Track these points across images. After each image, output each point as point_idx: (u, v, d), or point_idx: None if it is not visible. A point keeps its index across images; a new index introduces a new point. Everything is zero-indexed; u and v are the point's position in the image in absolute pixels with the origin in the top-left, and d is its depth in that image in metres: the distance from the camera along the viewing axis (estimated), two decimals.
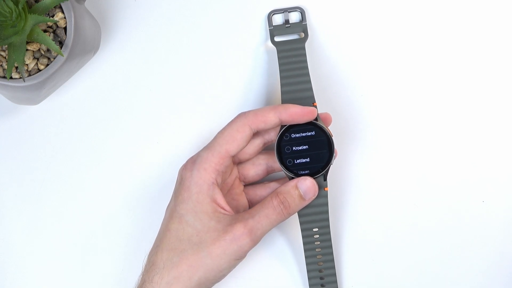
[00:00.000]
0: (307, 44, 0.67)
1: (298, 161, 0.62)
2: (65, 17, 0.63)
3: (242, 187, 0.66)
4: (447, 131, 0.70)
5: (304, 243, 0.65)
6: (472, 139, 0.70)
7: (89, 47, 0.66)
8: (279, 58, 0.65)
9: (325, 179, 0.63)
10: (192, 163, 0.62)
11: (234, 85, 0.70)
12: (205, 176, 0.60)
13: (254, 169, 0.65)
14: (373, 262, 0.69)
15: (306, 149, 0.62)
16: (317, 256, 0.65)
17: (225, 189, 0.64)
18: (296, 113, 0.61)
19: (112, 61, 0.71)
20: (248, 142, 0.62)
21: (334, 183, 0.68)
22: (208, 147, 0.62)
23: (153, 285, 0.60)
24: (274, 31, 0.66)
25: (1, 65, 0.63)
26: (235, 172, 0.65)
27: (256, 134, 0.63)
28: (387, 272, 0.69)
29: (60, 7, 0.63)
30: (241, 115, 0.62)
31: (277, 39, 0.66)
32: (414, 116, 0.70)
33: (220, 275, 0.61)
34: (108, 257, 0.69)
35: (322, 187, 0.63)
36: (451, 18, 0.71)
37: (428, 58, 0.70)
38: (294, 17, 0.67)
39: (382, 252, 0.69)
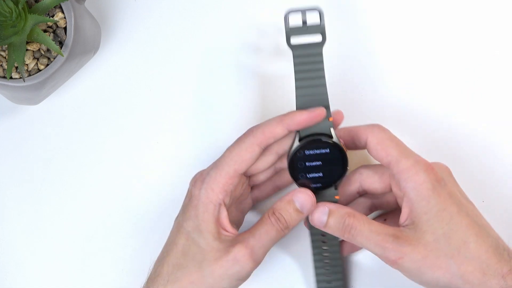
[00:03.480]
0: None
1: (310, 175, 0.61)
2: (65, 17, 0.63)
3: (249, 189, 0.66)
4: (446, 131, 0.70)
5: (313, 249, 0.65)
6: (472, 139, 0.70)
7: (89, 47, 0.66)
8: (295, 63, 0.61)
9: (336, 188, 0.61)
10: (201, 181, 0.61)
11: (234, 85, 0.70)
12: (212, 196, 0.60)
13: (263, 175, 0.65)
14: (373, 262, 0.69)
15: (319, 165, 0.60)
16: (325, 261, 0.65)
17: (236, 197, 0.64)
18: (304, 120, 0.60)
19: (112, 61, 0.71)
20: (258, 158, 0.61)
21: None
22: (217, 166, 0.61)
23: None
24: (290, 33, 0.61)
25: (1, 65, 0.63)
26: (245, 181, 0.64)
27: (267, 149, 0.62)
28: (387, 272, 0.69)
29: (60, 7, 0.63)
30: (249, 134, 0.60)
31: (293, 41, 0.61)
32: (414, 116, 0.70)
33: None
34: (108, 257, 0.69)
35: (333, 195, 0.61)
36: (457, 20, 0.71)
37: (435, 61, 0.71)
38: (312, 18, 0.62)
39: None
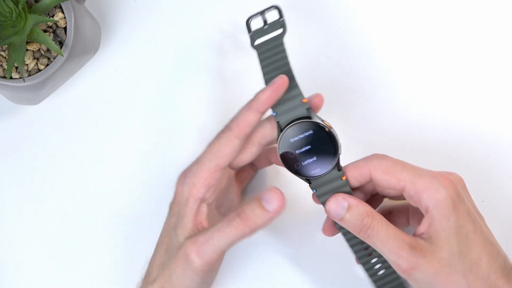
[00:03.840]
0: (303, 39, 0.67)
1: (305, 162, 0.60)
2: (65, 17, 0.63)
3: (237, 182, 0.66)
4: (446, 130, 0.70)
5: (363, 265, 0.62)
6: (472, 138, 0.70)
7: (89, 47, 0.66)
8: (259, 61, 0.61)
9: (339, 169, 0.59)
10: (183, 177, 0.61)
11: (234, 84, 0.70)
12: (194, 191, 0.60)
13: (245, 155, 0.63)
14: None
15: (309, 149, 0.60)
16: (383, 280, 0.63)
17: (222, 189, 0.63)
18: (269, 96, 0.59)
19: (112, 61, 0.71)
20: (240, 149, 0.60)
21: None
22: (198, 161, 0.61)
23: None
24: (254, 36, 0.61)
25: (1, 65, 0.63)
26: (233, 173, 0.64)
27: (249, 140, 0.62)
28: None
29: (60, 7, 0.63)
30: (225, 128, 0.60)
31: (257, 42, 0.61)
32: (413, 115, 0.70)
33: None
34: (108, 258, 0.69)
35: (339, 177, 0.59)
36: (449, 18, 0.71)
37: (434, 60, 0.71)
38: (272, 16, 0.61)
39: None
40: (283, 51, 0.61)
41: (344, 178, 0.60)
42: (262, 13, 0.61)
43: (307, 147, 0.60)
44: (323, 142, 0.59)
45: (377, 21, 0.71)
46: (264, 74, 0.61)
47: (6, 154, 0.71)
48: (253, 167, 0.68)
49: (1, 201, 0.70)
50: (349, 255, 0.69)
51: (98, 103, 0.71)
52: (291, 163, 0.60)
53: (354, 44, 0.71)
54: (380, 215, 0.58)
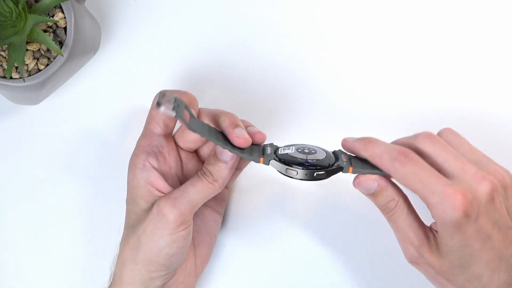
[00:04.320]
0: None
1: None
2: (65, 17, 0.63)
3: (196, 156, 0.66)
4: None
5: None
6: (471, 139, 0.70)
7: (89, 47, 0.66)
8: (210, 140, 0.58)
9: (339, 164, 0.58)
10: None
11: (234, 84, 0.70)
12: (136, 160, 0.61)
13: (206, 147, 0.64)
14: (373, 262, 0.69)
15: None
16: None
17: (190, 176, 0.63)
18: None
19: (112, 61, 0.71)
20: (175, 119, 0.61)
21: (333, 182, 0.68)
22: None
23: (112, 274, 0.62)
24: (178, 114, 0.55)
25: (1, 65, 0.63)
26: (194, 157, 0.64)
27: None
28: (387, 272, 0.69)
29: (60, 7, 0.63)
30: (156, 94, 0.59)
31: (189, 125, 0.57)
32: (413, 115, 0.70)
33: (163, 254, 0.59)
34: (108, 258, 0.69)
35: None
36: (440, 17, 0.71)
37: (434, 58, 0.71)
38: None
39: (382, 252, 0.69)
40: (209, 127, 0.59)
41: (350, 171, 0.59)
42: (159, 103, 0.55)
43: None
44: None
45: (376, 20, 0.71)
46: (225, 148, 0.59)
47: (6, 154, 0.71)
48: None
49: (1, 201, 0.70)
50: (349, 255, 0.69)
51: (98, 103, 0.71)
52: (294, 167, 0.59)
53: (355, 43, 0.71)
54: (406, 200, 0.59)
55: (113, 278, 0.62)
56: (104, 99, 0.71)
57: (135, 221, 0.61)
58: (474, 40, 0.71)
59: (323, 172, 0.58)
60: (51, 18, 0.63)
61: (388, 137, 0.70)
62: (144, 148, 0.61)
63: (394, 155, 0.56)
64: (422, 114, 0.70)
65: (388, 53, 0.71)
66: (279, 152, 0.60)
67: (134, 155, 0.62)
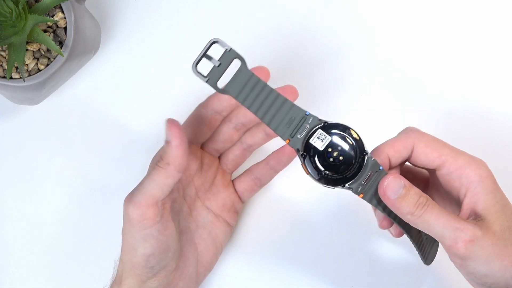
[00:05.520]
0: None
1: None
2: (65, 17, 0.63)
3: (229, 179, 0.65)
4: (446, 130, 0.70)
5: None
6: (471, 139, 0.70)
7: (89, 47, 0.66)
8: (241, 103, 0.55)
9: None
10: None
11: None
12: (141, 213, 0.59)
13: (231, 152, 0.64)
14: (373, 262, 0.69)
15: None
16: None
17: (207, 185, 0.63)
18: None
19: (112, 61, 0.71)
20: (193, 125, 0.60)
21: None
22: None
23: (114, 274, 0.62)
24: (211, 80, 0.54)
25: (1, 65, 0.63)
26: (214, 163, 0.64)
27: (226, 120, 0.62)
28: (387, 272, 0.69)
29: (60, 7, 0.63)
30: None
31: (221, 85, 0.55)
32: (414, 112, 0.70)
33: (140, 255, 0.58)
34: (108, 258, 0.69)
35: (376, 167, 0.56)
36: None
37: (435, 56, 0.71)
38: (216, 51, 0.55)
39: (381, 252, 0.69)
40: (258, 80, 0.54)
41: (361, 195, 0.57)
42: (205, 54, 0.54)
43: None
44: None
45: (378, 18, 0.71)
46: (256, 113, 0.55)
47: (6, 154, 0.71)
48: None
49: (1, 201, 0.70)
50: (349, 255, 0.69)
51: (98, 103, 0.71)
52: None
53: (355, 43, 0.71)
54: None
55: (115, 277, 0.62)
56: (104, 99, 0.71)
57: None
58: (478, 40, 0.71)
59: (331, 187, 0.56)
60: (51, 18, 0.63)
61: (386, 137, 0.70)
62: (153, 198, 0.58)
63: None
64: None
65: (389, 50, 0.71)
66: (311, 140, 0.54)
67: (154, 168, 0.58)
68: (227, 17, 0.71)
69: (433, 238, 0.58)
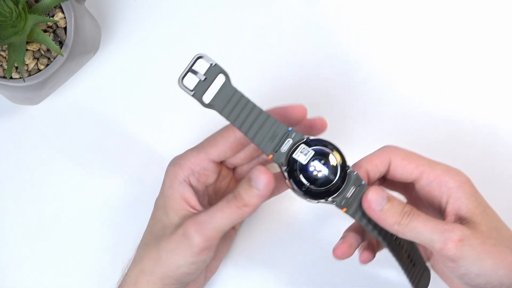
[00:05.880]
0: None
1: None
2: (65, 17, 0.63)
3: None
4: (446, 130, 0.70)
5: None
6: (471, 139, 0.70)
7: (89, 47, 0.66)
8: (225, 117, 0.55)
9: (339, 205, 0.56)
10: (173, 159, 0.61)
11: (234, 83, 0.70)
12: (178, 172, 0.60)
13: (247, 165, 0.64)
14: (373, 263, 0.69)
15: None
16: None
17: (219, 192, 0.64)
18: (284, 111, 0.58)
19: (112, 61, 0.71)
20: (235, 149, 0.60)
21: None
22: (193, 147, 0.61)
23: (126, 277, 0.61)
24: (197, 94, 0.55)
25: (1, 65, 0.63)
26: (229, 175, 0.64)
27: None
28: (387, 272, 0.69)
29: (60, 7, 0.63)
30: (228, 125, 0.60)
31: (206, 99, 0.55)
32: (414, 114, 0.70)
33: (180, 272, 0.58)
34: (108, 257, 0.69)
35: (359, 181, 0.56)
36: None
37: (434, 60, 0.71)
38: (201, 66, 0.56)
39: (382, 252, 0.69)
40: (241, 96, 0.55)
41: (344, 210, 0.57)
42: (189, 70, 0.55)
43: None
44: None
45: (376, 19, 0.71)
46: (240, 128, 0.55)
47: (6, 154, 0.71)
48: None
49: (1, 201, 0.70)
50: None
51: (98, 103, 0.71)
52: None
53: (353, 43, 0.71)
54: None
55: (125, 280, 0.61)
56: (104, 99, 0.71)
57: (160, 231, 0.60)
58: (477, 40, 0.71)
59: (314, 201, 0.56)
60: (51, 18, 0.63)
61: (389, 135, 0.70)
62: (192, 165, 0.60)
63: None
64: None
65: (388, 51, 0.71)
66: (294, 154, 0.55)
67: (178, 166, 0.60)
68: (227, 17, 0.71)
69: (423, 264, 0.59)
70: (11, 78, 0.63)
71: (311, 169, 0.55)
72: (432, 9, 0.71)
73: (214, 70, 0.55)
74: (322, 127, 0.60)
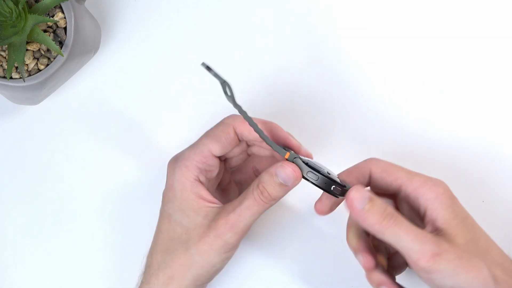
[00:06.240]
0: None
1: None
2: (65, 17, 0.63)
3: (229, 175, 0.66)
4: (446, 130, 0.70)
5: None
6: (471, 139, 0.70)
7: (89, 47, 0.66)
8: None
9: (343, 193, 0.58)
10: (174, 161, 0.62)
11: (235, 85, 0.70)
12: (187, 173, 0.60)
13: (237, 156, 0.65)
14: None
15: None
16: None
17: (215, 184, 0.64)
18: (284, 138, 0.61)
19: (112, 61, 0.71)
20: (234, 145, 0.61)
21: None
22: (192, 146, 0.62)
23: (150, 285, 0.61)
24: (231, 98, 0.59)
25: (1, 65, 0.63)
26: (222, 166, 0.64)
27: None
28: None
29: (60, 7, 0.63)
30: (229, 116, 0.62)
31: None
32: (412, 116, 0.70)
33: (214, 270, 0.61)
34: (108, 257, 0.69)
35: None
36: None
37: (432, 65, 0.71)
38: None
39: None
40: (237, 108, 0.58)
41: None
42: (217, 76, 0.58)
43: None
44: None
45: (376, 25, 0.71)
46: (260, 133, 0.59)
47: (6, 154, 0.71)
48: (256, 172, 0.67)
49: (1, 201, 0.70)
50: (351, 255, 0.69)
51: (98, 103, 0.71)
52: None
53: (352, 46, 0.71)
54: None
55: None
56: (104, 99, 0.71)
57: (183, 235, 0.60)
58: (473, 49, 0.71)
59: (339, 189, 0.58)
60: (51, 18, 0.63)
61: (388, 137, 0.70)
62: (198, 164, 0.61)
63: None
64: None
65: (388, 56, 0.71)
66: (303, 158, 0.59)
67: (185, 167, 0.61)
68: (227, 17, 0.71)
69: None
70: (11, 78, 0.63)
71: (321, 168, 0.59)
72: (413, 25, 0.71)
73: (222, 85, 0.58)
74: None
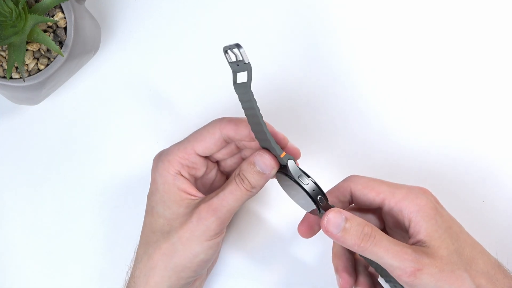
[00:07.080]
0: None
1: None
2: (65, 17, 0.63)
3: (225, 178, 0.66)
4: (446, 131, 0.70)
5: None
6: (472, 139, 0.70)
7: (89, 47, 0.66)
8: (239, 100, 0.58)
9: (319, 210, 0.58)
10: (158, 156, 0.62)
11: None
12: (169, 167, 0.61)
13: (230, 160, 0.65)
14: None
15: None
16: None
17: (207, 185, 0.64)
18: (271, 132, 0.60)
19: (112, 61, 0.71)
20: (219, 146, 0.62)
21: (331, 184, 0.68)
22: (177, 143, 0.62)
23: (135, 279, 0.61)
24: (236, 70, 0.57)
25: (1, 65, 0.63)
26: (215, 167, 0.65)
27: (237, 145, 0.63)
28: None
29: (60, 7, 0.63)
30: (216, 119, 0.62)
31: (238, 80, 0.57)
32: (413, 115, 0.70)
33: (198, 260, 0.60)
34: (108, 257, 0.69)
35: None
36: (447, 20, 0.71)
37: (431, 67, 0.71)
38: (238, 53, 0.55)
39: None
40: (249, 101, 0.56)
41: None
42: (231, 48, 0.55)
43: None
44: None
45: (376, 24, 0.71)
46: (247, 116, 0.58)
47: (6, 154, 0.71)
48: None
49: (1, 201, 0.70)
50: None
51: (98, 103, 0.71)
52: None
53: (352, 46, 0.71)
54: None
55: (134, 282, 0.61)
56: (104, 99, 0.71)
57: (165, 226, 0.60)
58: (470, 54, 0.71)
59: (324, 200, 0.58)
60: (51, 18, 0.63)
61: (387, 137, 0.70)
62: (180, 160, 0.61)
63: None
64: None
65: (388, 57, 0.71)
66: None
67: (167, 161, 0.61)
68: (227, 17, 0.71)
69: None
70: (11, 78, 0.63)
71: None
72: (413, 25, 0.71)
73: (244, 67, 0.56)
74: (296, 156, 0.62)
